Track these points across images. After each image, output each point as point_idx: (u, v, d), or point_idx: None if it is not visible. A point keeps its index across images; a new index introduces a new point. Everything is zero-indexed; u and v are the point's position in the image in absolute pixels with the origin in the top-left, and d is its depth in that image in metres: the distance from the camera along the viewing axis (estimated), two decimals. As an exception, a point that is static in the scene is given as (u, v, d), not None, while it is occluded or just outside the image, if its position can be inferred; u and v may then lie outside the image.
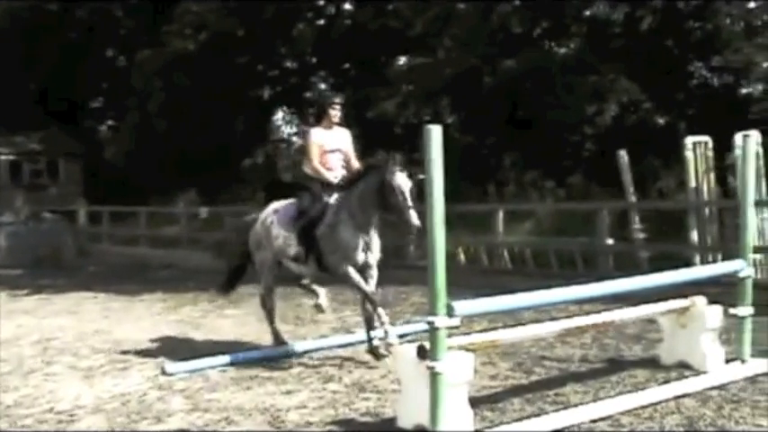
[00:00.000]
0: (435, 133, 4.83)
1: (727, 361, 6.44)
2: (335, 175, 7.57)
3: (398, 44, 21.21)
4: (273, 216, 7.86)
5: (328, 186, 7.49)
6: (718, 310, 6.45)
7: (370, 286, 7.27)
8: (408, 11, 19.32)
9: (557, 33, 18.03)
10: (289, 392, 6.42)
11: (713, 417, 5.35)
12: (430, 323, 4.79)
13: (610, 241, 12.39)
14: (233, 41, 22.44)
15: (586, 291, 5.79)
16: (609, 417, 5.36)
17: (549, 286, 5.52)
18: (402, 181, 6.90)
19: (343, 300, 10.26)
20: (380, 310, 7.15)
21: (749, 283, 6.47)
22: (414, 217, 6.74)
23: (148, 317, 10.85)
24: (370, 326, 7.40)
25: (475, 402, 5.32)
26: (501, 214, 14.02)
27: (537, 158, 16.32)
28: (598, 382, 6.30)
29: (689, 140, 11.71)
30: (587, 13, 17.27)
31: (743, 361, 6.45)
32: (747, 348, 6.50)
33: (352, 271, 7.17)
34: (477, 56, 17.68)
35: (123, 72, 27.57)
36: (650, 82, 15.83)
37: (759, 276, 9.00)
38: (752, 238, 6.76)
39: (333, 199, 7.39)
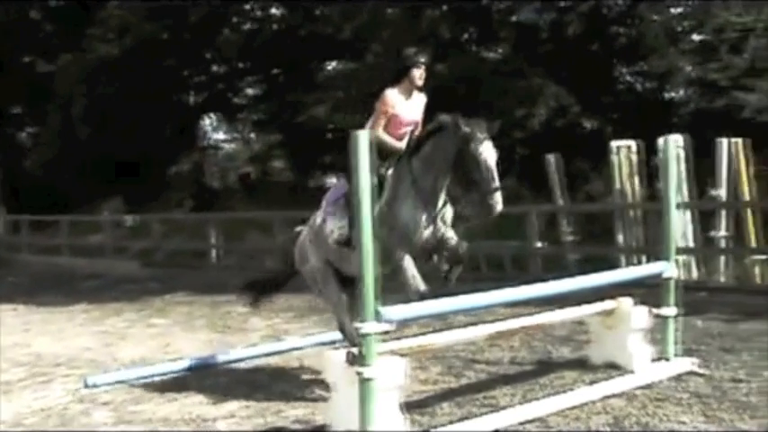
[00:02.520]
0: (362, 139, 4.80)
1: (654, 360, 6.55)
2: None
3: (328, 49, 21.14)
4: (324, 212, 6.51)
5: (389, 155, 6.17)
6: (643, 310, 6.55)
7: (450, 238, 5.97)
8: (337, 16, 19.28)
9: (485, 39, 18.21)
10: (217, 402, 6.30)
11: (639, 415, 5.43)
12: (359, 329, 4.75)
13: (539, 244, 12.54)
14: (158, 46, 22.05)
15: (516, 293, 5.83)
16: (537, 418, 5.40)
17: (479, 290, 5.53)
18: (488, 152, 5.67)
19: (273, 307, 10.13)
20: (459, 269, 5.91)
21: (673, 284, 6.60)
22: (499, 200, 5.57)
23: (71, 328, 10.55)
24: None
25: (406, 407, 5.29)
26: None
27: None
28: (527, 384, 6.34)
29: (614, 144, 11.93)
30: (514, 18, 17.48)
31: (668, 360, 6.57)
32: (672, 348, 6.62)
33: (408, 262, 5.84)
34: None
35: (44, 77, 26.84)
36: (578, 86, 16.10)
37: (683, 277, 9.20)
38: (675, 240, 6.90)
39: (390, 170, 6.11)
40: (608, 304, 6.56)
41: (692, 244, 10.92)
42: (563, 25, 16.41)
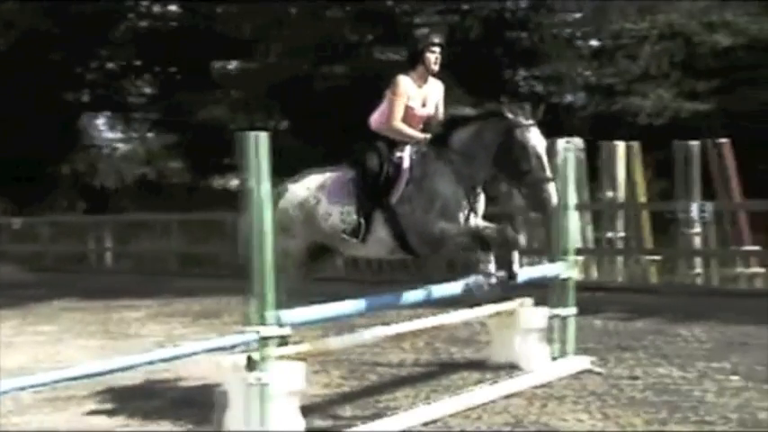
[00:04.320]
0: (262, 140, 4.70)
1: (553, 360, 6.62)
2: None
3: (227, 48, 20.82)
4: (321, 194, 5.82)
5: (402, 144, 5.63)
6: (542, 311, 6.63)
7: (486, 226, 5.35)
8: (238, 14, 19.02)
9: (388, 41, 18.28)
10: (109, 411, 6.05)
11: (538, 414, 5.48)
12: (256, 333, 4.64)
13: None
14: (47, 41, 21.25)
15: (417, 295, 5.80)
16: (439, 419, 5.38)
17: (381, 292, 5.49)
18: (537, 139, 5.16)
19: (169, 312, 9.88)
20: (515, 254, 5.30)
21: (571, 285, 6.69)
22: (553, 191, 5.08)
23: (-50, 337, 9.98)
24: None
25: (307, 411, 5.19)
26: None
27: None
28: (429, 385, 6.32)
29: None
30: (418, 20, 17.58)
31: (566, 359, 6.65)
32: (571, 347, 6.71)
33: (452, 226, 5.25)
34: (309, 61, 17.66)
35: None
36: (479, 90, 16.34)
37: (581, 278, 9.38)
38: (573, 241, 7.01)
39: (408, 153, 5.54)
40: (507, 305, 6.60)
41: (590, 245, 11.17)
42: (465, 29, 16.62)
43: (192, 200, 19.87)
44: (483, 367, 6.72)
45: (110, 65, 24.65)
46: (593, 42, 16.03)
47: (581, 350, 6.84)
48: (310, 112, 17.99)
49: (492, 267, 5.36)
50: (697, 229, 10.93)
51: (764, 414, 5.30)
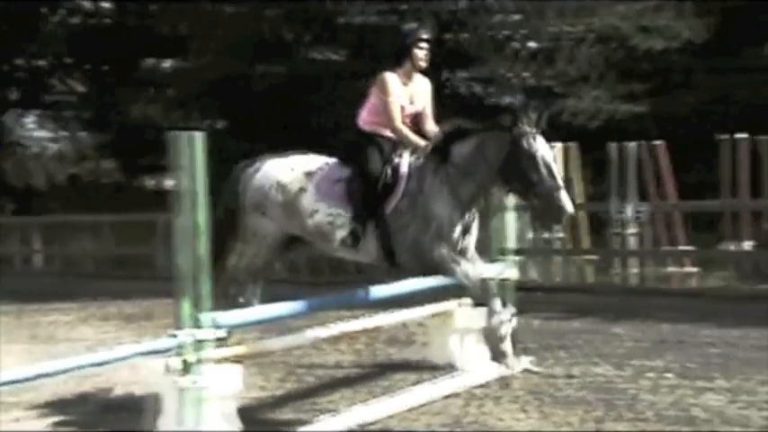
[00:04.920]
0: (196, 139, 4.61)
1: (492, 359, 6.61)
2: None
3: (162, 46, 20.50)
4: (308, 182, 5.48)
5: (400, 148, 5.38)
6: (481, 311, 6.60)
7: (479, 269, 5.25)
8: (172, 12, 18.74)
9: (326, 41, 18.22)
10: (38, 417, 5.88)
11: (477, 414, 5.49)
12: (191, 336, 4.54)
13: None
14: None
15: (356, 296, 5.76)
16: (378, 421, 5.36)
17: (320, 293, 5.45)
18: (544, 147, 4.98)
19: (101, 315, 9.65)
20: (498, 321, 5.31)
21: (510, 285, 6.70)
22: (566, 199, 4.90)
23: None
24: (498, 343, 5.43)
25: (244, 414, 5.08)
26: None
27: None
28: (368, 387, 6.29)
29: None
30: (358, 20, 17.54)
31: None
32: (509, 347, 6.70)
33: (448, 253, 5.10)
34: (245, 60, 17.52)
35: None
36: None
37: (520, 278, 9.44)
38: (512, 242, 7.04)
39: (407, 161, 5.29)
40: (445, 305, 6.58)
41: (528, 246, 11.26)
42: (388, 29, 16.68)
43: (123, 200, 19.48)
44: (422, 368, 6.69)
45: (39, 62, 24.02)
46: (532, 44, 16.20)
47: (520, 350, 6.86)
48: (248, 111, 17.83)
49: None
50: (633, 229, 11.10)
51: (697, 410, 5.39)
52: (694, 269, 11.17)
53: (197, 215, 4.59)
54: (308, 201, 5.42)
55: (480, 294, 5.28)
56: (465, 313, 6.60)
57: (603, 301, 9.84)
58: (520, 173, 4.92)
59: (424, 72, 5.56)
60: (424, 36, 5.44)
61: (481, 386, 6.10)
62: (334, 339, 6.40)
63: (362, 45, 16.98)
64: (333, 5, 17.22)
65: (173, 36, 18.83)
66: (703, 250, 11.13)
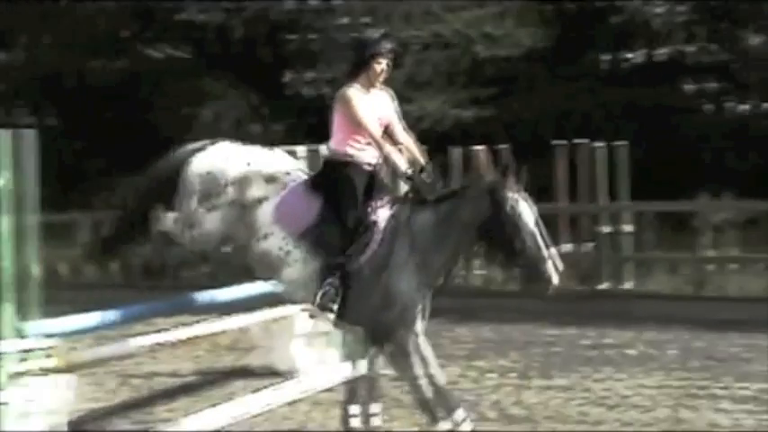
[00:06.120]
0: (25, 137, 4.38)
1: (337, 363, 6.49)
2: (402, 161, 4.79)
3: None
4: (269, 189, 4.76)
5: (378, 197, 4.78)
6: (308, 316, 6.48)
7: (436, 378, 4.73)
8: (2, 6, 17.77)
9: (150, 37, 17.78)
10: None
11: (322, 419, 5.49)
12: (11, 346, 4.24)
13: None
14: None
15: (180, 302, 5.61)
16: (220, 429, 5.22)
17: (156, 298, 5.52)
18: (527, 212, 4.53)
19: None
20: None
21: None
22: (552, 270, 4.46)
23: None
24: None
25: (74, 427, 4.80)
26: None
27: (131, 163, 15.77)
28: (208, 394, 6.15)
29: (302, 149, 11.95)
30: (183, 17, 17.15)
31: (353, 363, 6.54)
32: (338, 352, 6.57)
33: (410, 347, 4.66)
34: (79, 56, 16.84)
35: None
36: (247, 89, 16.20)
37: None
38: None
39: (385, 215, 4.71)
40: (286, 310, 6.36)
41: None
42: (228, 28, 16.47)
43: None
44: (265, 374, 6.53)
45: None
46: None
47: (348, 355, 6.77)
48: (83, 108, 17.12)
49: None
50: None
51: (539, 408, 5.58)
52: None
53: (24, 217, 4.36)
54: (263, 219, 4.71)
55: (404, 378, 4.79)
56: (293, 319, 6.44)
57: (449, 303, 9.85)
58: (503, 239, 4.53)
59: (382, 85, 4.95)
60: (388, 47, 4.88)
61: (327, 391, 6.03)
62: (172, 346, 6.09)
63: (205, 43, 16.68)
64: (157, 2, 16.85)
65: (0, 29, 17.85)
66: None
